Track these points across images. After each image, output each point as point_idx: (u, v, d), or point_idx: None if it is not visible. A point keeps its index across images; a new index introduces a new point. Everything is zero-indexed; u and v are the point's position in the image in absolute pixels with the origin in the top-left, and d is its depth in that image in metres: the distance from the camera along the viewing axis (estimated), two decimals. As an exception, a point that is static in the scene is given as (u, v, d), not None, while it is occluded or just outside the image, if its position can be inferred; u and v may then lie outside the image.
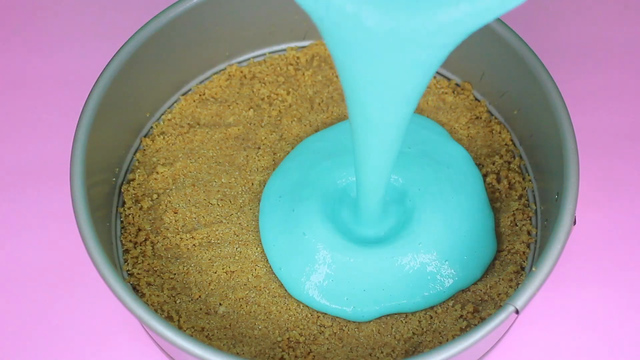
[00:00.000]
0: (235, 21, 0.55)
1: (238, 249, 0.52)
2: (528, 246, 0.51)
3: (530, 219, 0.52)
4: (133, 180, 0.53)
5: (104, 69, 0.49)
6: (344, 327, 0.50)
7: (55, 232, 0.56)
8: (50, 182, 0.58)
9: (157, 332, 0.41)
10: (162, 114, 0.56)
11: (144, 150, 0.55)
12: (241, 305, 0.50)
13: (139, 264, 0.51)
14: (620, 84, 0.62)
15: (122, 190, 0.53)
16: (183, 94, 0.57)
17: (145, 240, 0.52)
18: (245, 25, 0.56)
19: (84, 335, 0.54)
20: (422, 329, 0.49)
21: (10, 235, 0.57)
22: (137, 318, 0.42)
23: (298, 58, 0.58)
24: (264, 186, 0.54)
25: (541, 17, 0.64)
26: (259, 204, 0.53)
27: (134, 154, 0.55)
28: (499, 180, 0.54)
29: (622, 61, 0.63)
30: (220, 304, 0.50)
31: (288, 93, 0.57)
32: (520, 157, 0.54)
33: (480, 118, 0.56)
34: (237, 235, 0.52)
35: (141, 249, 0.51)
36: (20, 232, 0.57)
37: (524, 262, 0.51)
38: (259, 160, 0.55)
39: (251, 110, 0.56)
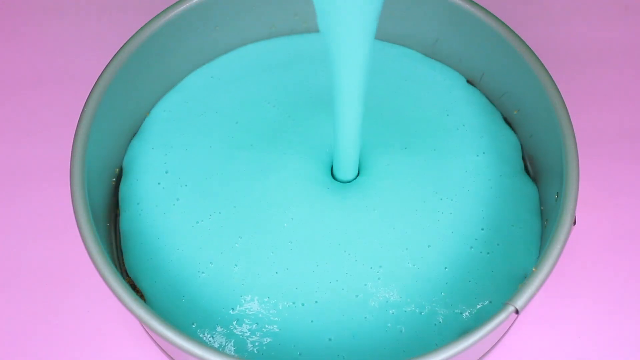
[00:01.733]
0: (235, 21, 0.55)
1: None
2: (528, 246, 0.51)
3: (530, 219, 0.52)
4: (133, 180, 0.53)
5: (104, 69, 0.49)
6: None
7: (55, 232, 0.56)
8: (50, 182, 0.58)
9: (157, 332, 0.41)
10: (162, 114, 0.56)
11: (144, 150, 0.54)
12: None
13: (139, 264, 0.51)
14: (620, 84, 0.62)
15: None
16: (183, 94, 0.57)
17: (145, 240, 0.52)
18: (245, 25, 0.55)
19: (84, 335, 0.54)
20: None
21: (10, 235, 0.57)
22: (137, 318, 0.42)
23: (298, 58, 0.58)
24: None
25: (541, 17, 0.64)
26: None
27: (134, 154, 0.54)
28: (499, 180, 0.54)
29: (622, 61, 0.63)
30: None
31: (288, 93, 0.57)
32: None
33: (480, 118, 0.56)
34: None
35: (141, 249, 0.51)
36: (20, 232, 0.57)
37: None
38: (259, 160, 0.54)
39: (251, 110, 0.56)
